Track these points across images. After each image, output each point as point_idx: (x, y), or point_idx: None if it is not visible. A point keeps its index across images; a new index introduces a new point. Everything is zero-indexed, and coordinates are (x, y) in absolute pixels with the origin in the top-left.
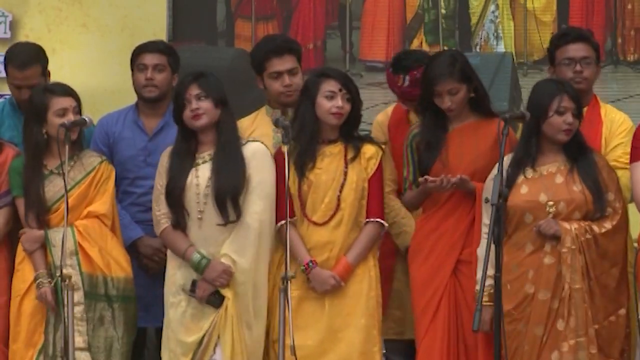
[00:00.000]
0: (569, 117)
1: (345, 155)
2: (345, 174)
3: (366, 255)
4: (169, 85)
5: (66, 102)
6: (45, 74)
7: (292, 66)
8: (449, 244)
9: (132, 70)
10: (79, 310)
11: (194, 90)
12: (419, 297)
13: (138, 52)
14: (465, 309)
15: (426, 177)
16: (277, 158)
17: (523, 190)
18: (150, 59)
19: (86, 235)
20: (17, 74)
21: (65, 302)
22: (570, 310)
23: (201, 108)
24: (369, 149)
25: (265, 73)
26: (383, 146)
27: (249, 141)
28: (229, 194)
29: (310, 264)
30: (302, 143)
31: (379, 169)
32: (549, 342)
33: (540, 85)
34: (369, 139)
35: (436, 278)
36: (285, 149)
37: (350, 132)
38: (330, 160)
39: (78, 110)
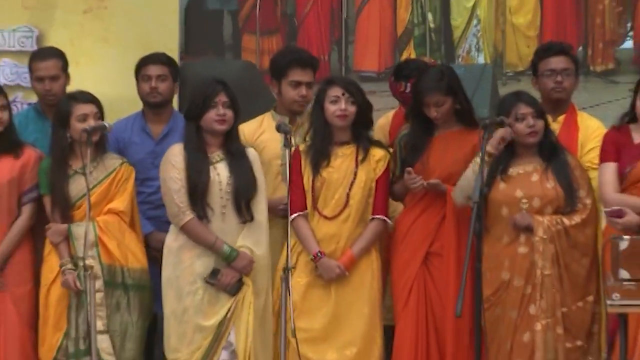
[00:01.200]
0: (529, 121)
1: (357, 157)
2: (355, 173)
3: (370, 249)
4: (171, 93)
5: (87, 108)
6: (66, 71)
7: (310, 80)
8: (421, 237)
9: (137, 80)
10: (99, 296)
11: (223, 98)
12: (396, 284)
13: (143, 64)
14: (436, 296)
15: (409, 169)
16: (295, 158)
17: (501, 186)
18: (153, 70)
19: (106, 230)
20: (39, 64)
21: (87, 290)
22: (541, 293)
23: (227, 115)
24: (378, 152)
25: (284, 80)
26: (390, 150)
27: (246, 147)
28: (245, 197)
29: (319, 254)
30: (316, 144)
31: (387, 171)
32: (522, 324)
33: (501, 100)
34: (378, 143)
35: (408, 268)
36: (287, 152)
37: (361, 134)
38: (342, 160)
39: (99, 116)
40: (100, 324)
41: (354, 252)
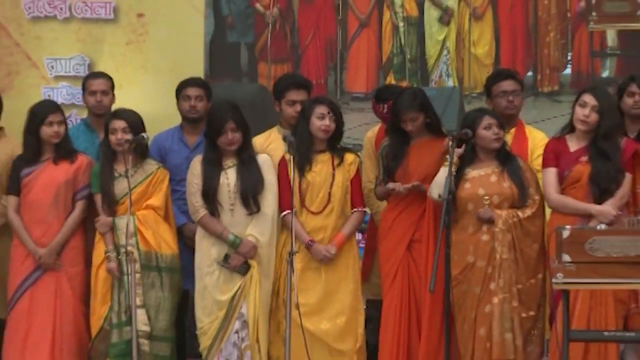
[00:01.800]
0: (495, 129)
1: (333, 162)
2: (334, 176)
3: (354, 233)
4: (205, 111)
5: (117, 124)
6: (113, 91)
7: (304, 98)
8: (404, 228)
9: (178, 99)
10: (137, 277)
11: (231, 125)
12: (383, 267)
13: (183, 86)
14: (416, 276)
15: (391, 183)
16: (281, 165)
17: (467, 185)
18: (192, 92)
19: (144, 222)
20: (92, 81)
21: (128, 272)
22: (500, 274)
23: (234, 138)
24: (350, 157)
25: (283, 100)
26: (359, 154)
27: (258, 153)
28: (251, 193)
29: (310, 242)
30: (301, 152)
31: (358, 171)
32: (484, 298)
33: (467, 115)
34: (348, 149)
35: (395, 253)
36: (291, 157)
37: (334, 145)
38: (322, 166)
39: (130, 130)
40: (137, 300)
41: (344, 234)
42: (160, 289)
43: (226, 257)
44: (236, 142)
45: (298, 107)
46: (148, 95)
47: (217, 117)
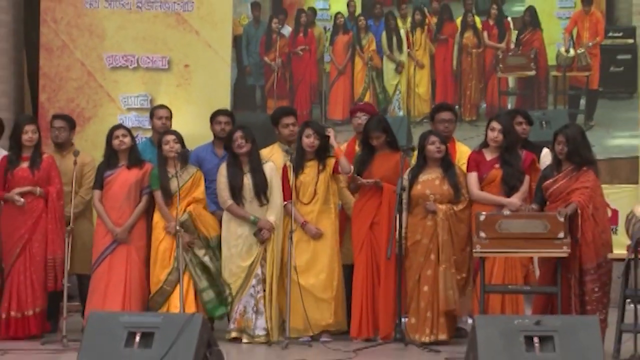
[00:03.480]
0: (437, 145)
1: (318, 167)
2: (318, 177)
3: (332, 214)
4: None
5: (169, 137)
6: (170, 119)
7: (294, 122)
8: (368, 213)
9: (211, 123)
10: (203, 253)
11: (239, 134)
12: (353, 240)
13: (216, 114)
14: (377, 247)
15: (358, 177)
16: (284, 170)
17: (418, 187)
18: (223, 118)
19: (196, 217)
20: (159, 111)
21: (179, 245)
22: (442, 249)
23: (242, 144)
24: (330, 162)
25: (279, 124)
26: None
27: (266, 162)
28: (262, 191)
29: (304, 223)
30: (296, 161)
31: (336, 164)
32: (425, 265)
33: (421, 135)
34: (330, 156)
35: (361, 231)
36: (290, 165)
37: (321, 155)
38: (310, 170)
39: (183, 144)
40: (207, 258)
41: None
42: (216, 260)
43: (258, 232)
44: (244, 147)
45: (290, 128)
46: (190, 121)
47: (230, 131)
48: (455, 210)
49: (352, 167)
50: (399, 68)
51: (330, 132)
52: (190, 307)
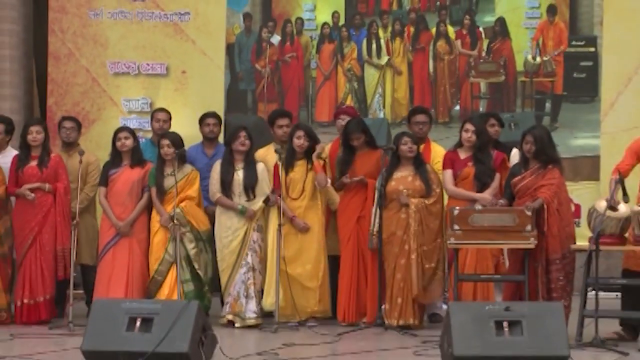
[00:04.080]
0: (409, 145)
1: (307, 166)
2: (306, 175)
3: (319, 210)
4: (219, 133)
5: (164, 142)
6: (169, 120)
7: (288, 123)
8: (354, 208)
9: (201, 125)
10: (192, 246)
11: (243, 133)
12: (340, 232)
13: (204, 117)
14: (363, 240)
15: (344, 177)
16: (275, 168)
17: (393, 183)
18: (211, 120)
19: (187, 212)
20: (158, 114)
21: (175, 237)
22: (412, 239)
23: (245, 142)
24: (317, 161)
25: (274, 125)
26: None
27: (257, 162)
28: (250, 187)
29: (293, 217)
30: (287, 160)
31: (323, 164)
32: (399, 254)
33: (395, 136)
34: (314, 155)
35: (348, 224)
36: (280, 163)
37: (309, 155)
38: (299, 168)
39: (182, 145)
40: (192, 252)
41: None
42: (206, 253)
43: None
44: (246, 145)
45: (284, 129)
46: (187, 123)
47: (235, 129)
48: (427, 203)
49: (328, 181)
50: (381, 67)
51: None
52: (174, 295)
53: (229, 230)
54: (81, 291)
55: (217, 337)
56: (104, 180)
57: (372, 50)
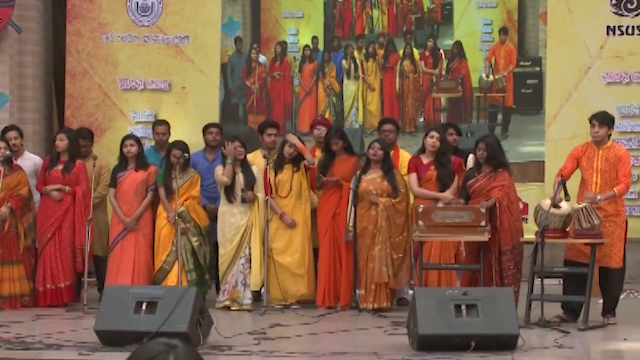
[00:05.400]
0: (374, 150)
1: (293, 169)
2: (293, 177)
3: (306, 205)
4: (220, 141)
5: (175, 151)
6: (169, 131)
7: (276, 133)
8: (331, 206)
9: (204, 134)
10: (195, 240)
11: (238, 143)
12: (319, 227)
13: (208, 127)
14: (338, 234)
15: (324, 178)
16: (265, 171)
17: (364, 184)
18: (214, 130)
19: (191, 210)
20: (159, 127)
21: (179, 232)
22: (381, 234)
23: (239, 151)
24: (303, 165)
25: (264, 134)
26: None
27: (252, 166)
28: (251, 186)
29: (282, 214)
30: (276, 164)
31: (309, 168)
32: (371, 247)
33: (369, 144)
34: (302, 160)
35: (325, 220)
36: (269, 167)
37: (297, 160)
38: (287, 171)
39: (187, 151)
40: (195, 245)
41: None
42: (206, 246)
43: (243, 197)
44: (242, 154)
45: (272, 137)
46: (187, 132)
47: (231, 139)
48: (394, 202)
49: (315, 161)
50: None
51: (294, 139)
52: (182, 282)
53: (233, 226)
54: (94, 279)
55: (214, 319)
56: (113, 182)
57: (351, 69)
